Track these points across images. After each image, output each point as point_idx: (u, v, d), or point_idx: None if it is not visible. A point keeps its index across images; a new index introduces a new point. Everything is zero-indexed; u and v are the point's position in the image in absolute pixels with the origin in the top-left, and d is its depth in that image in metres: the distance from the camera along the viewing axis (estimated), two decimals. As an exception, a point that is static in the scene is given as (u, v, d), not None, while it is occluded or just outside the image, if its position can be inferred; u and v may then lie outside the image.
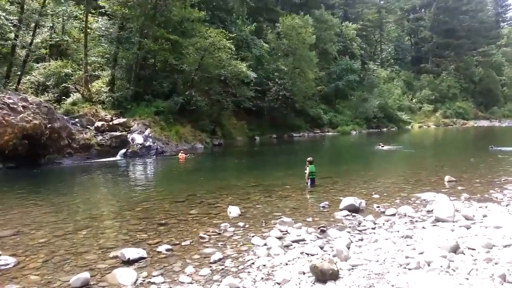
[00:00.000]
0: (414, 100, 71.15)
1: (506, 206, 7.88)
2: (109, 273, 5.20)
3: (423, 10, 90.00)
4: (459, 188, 10.09)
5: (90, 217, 8.51)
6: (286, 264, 5.32)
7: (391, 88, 64.55)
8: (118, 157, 22.24)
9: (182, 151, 23.62)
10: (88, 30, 28.41)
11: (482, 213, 7.30)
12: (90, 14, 29.25)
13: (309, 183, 11.35)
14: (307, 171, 11.43)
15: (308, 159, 11.61)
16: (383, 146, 24.60)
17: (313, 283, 4.66)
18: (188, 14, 30.80)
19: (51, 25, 30.05)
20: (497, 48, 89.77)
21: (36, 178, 15.53)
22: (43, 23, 29.42)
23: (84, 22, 28.77)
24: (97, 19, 31.03)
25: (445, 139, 38.84)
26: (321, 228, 6.82)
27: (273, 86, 41.76)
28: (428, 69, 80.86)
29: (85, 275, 4.94)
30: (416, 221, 7.20)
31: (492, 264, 4.84)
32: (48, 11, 27.54)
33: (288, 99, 42.76)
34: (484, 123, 69.29)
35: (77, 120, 23.25)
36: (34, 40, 26.64)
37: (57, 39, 30.05)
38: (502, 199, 8.59)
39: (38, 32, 28.46)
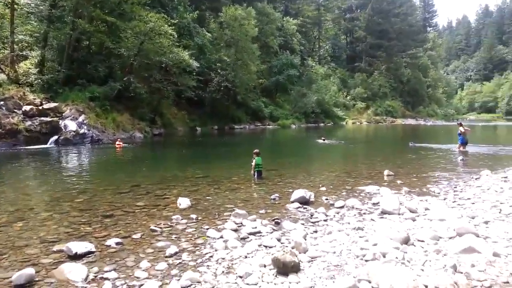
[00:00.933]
0: (348, 97, 74.36)
1: (444, 199, 8.42)
2: (55, 268, 4.75)
3: (359, 10, 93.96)
4: (398, 182, 10.62)
5: (25, 208, 7.81)
6: (246, 257, 5.22)
7: (328, 84, 66.93)
8: (49, 145, 20.81)
9: (119, 139, 22.64)
10: (15, 6, 26.04)
11: (424, 206, 7.72)
12: (17, -12, 26.85)
13: (255, 176, 11.36)
14: (253, 163, 11.43)
15: (255, 151, 11.61)
16: (324, 140, 25.42)
17: (276, 276, 4.61)
18: (127, -5, 29.37)
19: (-29, -3, 27.25)
20: (424, 51, 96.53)
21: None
22: (-39, -6, 26.68)
23: (10, -3, 26.36)
24: (26, -6, 28.59)
25: (377, 135, 41.00)
26: (276, 220, 6.81)
27: (215, 76, 41.45)
28: (362, 68, 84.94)
29: (29, 271, 4.47)
30: (364, 213, 7.45)
31: (441, 255, 5.10)
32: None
33: (230, 90, 42.72)
34: (411, 121, 74.21)
35: (2, 103, 21.33)
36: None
37: (-22, 13, 27.27)
38: (439, 193, 9.16)
39: (-46, 4, 25.73)
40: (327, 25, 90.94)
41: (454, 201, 8.25)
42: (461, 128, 18.75)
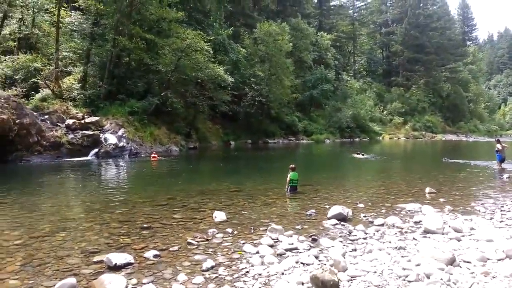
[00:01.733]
0: (385, 112, 73.07)
1: (490, 219, 7.99)
2: (95, 279, 4.82)
3: (395, 24, 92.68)
4: (441, 200, 10.20)
5: (67, 218, 8.06)
6: (283, 274, 5.12)
7: (363, 99, 66.08)
8: (90, 157, 21.55)
9: (154, 152, 23.32)
10: (60, 24, 27.46)
11: (469, 225, 7.35)
12: (62, 8, 28.33)
13: (288, 190, 11.25)
14: (288, 178, 11.33)
15: (291, 166, 11.52)
16: (363, 155, 25.12)
17: (314, 294, 4.49)
18: (165, 13, 30.32)
19: (20, 17, 28.98)
20: (464, 65, 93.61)
21: (3, 176, 14.71)
22: (11, 14, 28.35)
23: (55, 16, 27.85)
24: (70, 13, 30.11)
25: (416, 151, 39.86)
26: (313, 237, 6.67)
27: (250, 91, 41.83)
28: (399, 82, 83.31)
29: (71, 280, 4.57)
30: (406, 232, 7.17)
31: (490, 277, 4.82)
32: (17, 1, 26.62)
33: (264, 105, 42.96)
34: (452, 137, 71.78)
35: (46, 116, 22.36)
36: (1, 32, 25.58)
37: (27, 31, 28.90)
38: (484, 212, 8.72)
39: (6, 24, 27.38)
40: (362, 39, 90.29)
41: (502, 221, 7.83)
42: (498, 145, 18.40)
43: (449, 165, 20.15)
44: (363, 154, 25.32)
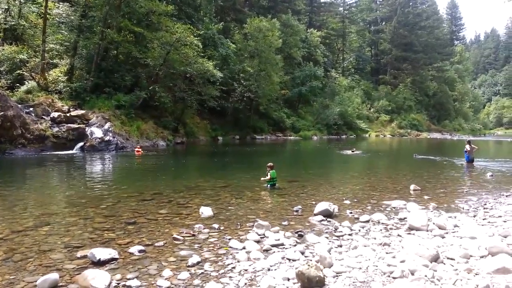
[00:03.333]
0: (372, 110, 73.56)
1: (474, 217, 8.12)
2: (79, 274, 4.76)
3: (384, 23, 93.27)
4: (425, 197, 10.32)
5: (51, 213, 7.94)
6: (269, 270, 5.12)
7: (351, 96, 66.44)
8: (75, 151, 21.27)
9: (139, 146, 23.28)
10: (47, 15, 26.97)
11: (453, 223, 7.44)
12: (50, -1, 27.83)
13: (268, 187, 11.36)
14: (268, 177, 11.40)
15: (269, 164, 11.64)
16: (354, 151, 25.50)
17: (300, 290, 4.50)
18: (155, 7, 29.99)
19: (6, 7, 28.38)
20: (451, 64, 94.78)
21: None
22: (-3, 4, 27.80)
23: (43, 7, 27.34)
24: (58, 4, 29.59)
25: (402, 148, 40.20)
26: (299, 233, 6.69)
27: (238, 87, 41.70)
28: (386, 81, 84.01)
29: (54, 276, 4.50)
30: (391, 228, 7.24)
31: (473, 274, 4.88)
32: (3, -8, 26.07)
33: (253, 101, 42.90)
34: (437, 135, 72.64)
35: (31, 109, 22.01)
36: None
37: (13, 22, 28.29)
38: (468, 210, 8.85)
39: (-9, 14, 26.85)
40: (351, 37, 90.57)
41: (485, 219, 7.94)
42: (467, 146, 19.29)
43: (419, 161, 21.10)
44: (353, 151, 25.65)
